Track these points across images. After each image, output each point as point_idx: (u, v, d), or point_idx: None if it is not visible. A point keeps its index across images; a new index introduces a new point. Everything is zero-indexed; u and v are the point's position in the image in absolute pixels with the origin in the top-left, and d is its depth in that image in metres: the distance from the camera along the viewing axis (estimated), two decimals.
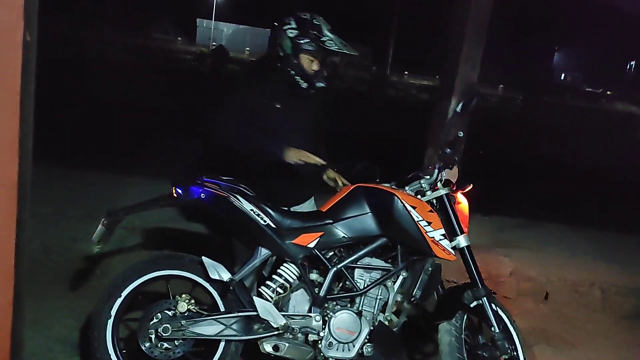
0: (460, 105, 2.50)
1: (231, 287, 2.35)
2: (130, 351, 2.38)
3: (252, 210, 2.36)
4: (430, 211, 2.39)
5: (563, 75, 45.90)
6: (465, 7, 3.75)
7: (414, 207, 2.36)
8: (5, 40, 1.63)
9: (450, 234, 2.43)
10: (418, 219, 2.34)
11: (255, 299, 2.33)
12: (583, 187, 7.84)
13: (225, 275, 2.34)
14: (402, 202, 2.35)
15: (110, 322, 2.29)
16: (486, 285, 2.49)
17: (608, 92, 37.87)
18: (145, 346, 2.30)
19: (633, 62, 43.21)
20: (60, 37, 14.80)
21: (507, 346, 2.43)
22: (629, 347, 3.49)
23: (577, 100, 29.17)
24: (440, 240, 2.36)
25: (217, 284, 2.37)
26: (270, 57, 2.64)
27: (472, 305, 2.48)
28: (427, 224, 2.34)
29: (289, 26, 2.57)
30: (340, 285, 2.46)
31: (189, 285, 2.43)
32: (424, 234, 2.34)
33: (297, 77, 2.60)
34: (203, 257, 2.36)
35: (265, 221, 2.36)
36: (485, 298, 2.45)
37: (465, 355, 2.38)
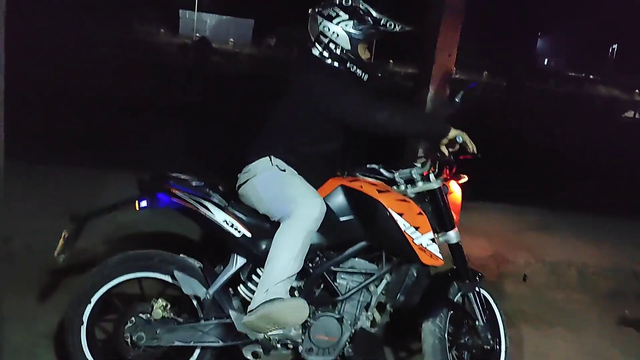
0: (460, 94, 2.35)
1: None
2: (108, 347, 2.38)
3: (225, 221, 2.22)
4: (420, 213, 2.23)
5: (546, 60, 46.07)
6: None
7: (401, 214, 2.19)
8: None
9: (440, 228, 2.33)
10: (405, 227, 2.19)
11: (232, 313, 2.23)
12: (563, 170, 7.91)
13: (200, 291, 2.25)
14: (388, 211, 2.18)
15: (83, 327, 2.28)
16: (475, 278, 2.43)
17: (591, 77, 38.10)
18: (121, 349, 2.29)
19: (615, 46, 43.47)
20: (40, 31, 14.58)
21: (489, 337, 2.42)
22: (606, 326, 3.57)
23: (561, 86, 29.30)
24: (427, 245, 2.21)
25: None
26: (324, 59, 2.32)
27: (456, 299, 2.42)
28: (414, 231, 2.19)
29: (339, 18, 2.27)
30: (321, 287, 2.36)
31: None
32: (411, 242, 2.19)
33: (359, 71, 2.34)
34: (175, 271, 2.25)
35: (239, 231, 2.23)
36: (471, 294, 2.41)
37: (448, 355, 2.32)
